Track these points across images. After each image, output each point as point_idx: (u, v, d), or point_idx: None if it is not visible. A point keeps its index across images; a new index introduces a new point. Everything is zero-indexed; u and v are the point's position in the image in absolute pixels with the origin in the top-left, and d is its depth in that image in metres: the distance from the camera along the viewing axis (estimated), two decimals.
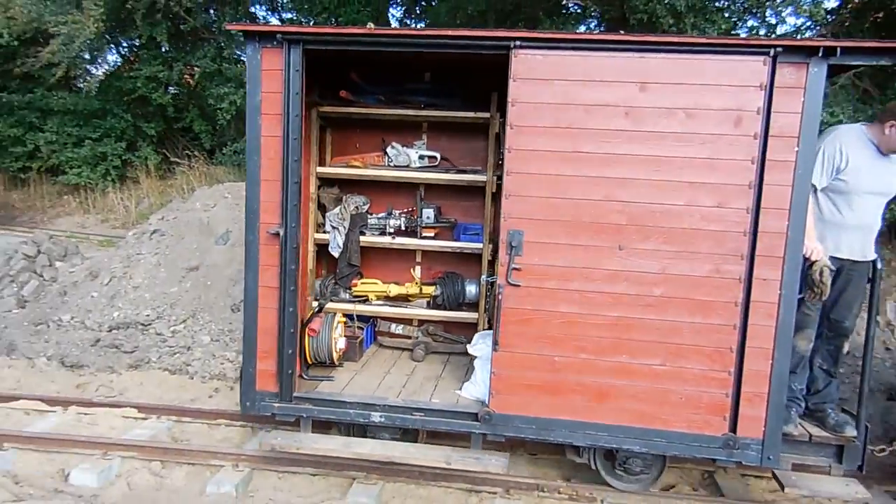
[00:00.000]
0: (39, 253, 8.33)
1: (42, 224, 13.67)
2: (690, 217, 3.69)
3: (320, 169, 5.22)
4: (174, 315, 6.92)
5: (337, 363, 4.65)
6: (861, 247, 3.99)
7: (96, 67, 16.23)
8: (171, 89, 14.72)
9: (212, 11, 14.96)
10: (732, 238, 3.66)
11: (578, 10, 13.25)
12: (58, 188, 14.84)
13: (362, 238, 5.15)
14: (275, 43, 3.92)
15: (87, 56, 14.72)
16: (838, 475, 4.01)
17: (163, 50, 14.11)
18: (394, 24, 16.27)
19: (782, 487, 3.94)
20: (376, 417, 4.10)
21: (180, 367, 6.23)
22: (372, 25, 3.81)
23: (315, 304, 5.13)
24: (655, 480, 4.25)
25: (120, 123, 13.98)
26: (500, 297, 3.86)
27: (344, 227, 5.17)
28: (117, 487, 4.30)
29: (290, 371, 4.15)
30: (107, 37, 13.85)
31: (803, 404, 4.19)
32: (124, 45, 15.12)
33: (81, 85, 15.44)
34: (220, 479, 4.27)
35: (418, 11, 16.36)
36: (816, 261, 3.76)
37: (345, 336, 4.81)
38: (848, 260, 3.99)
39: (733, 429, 3.79)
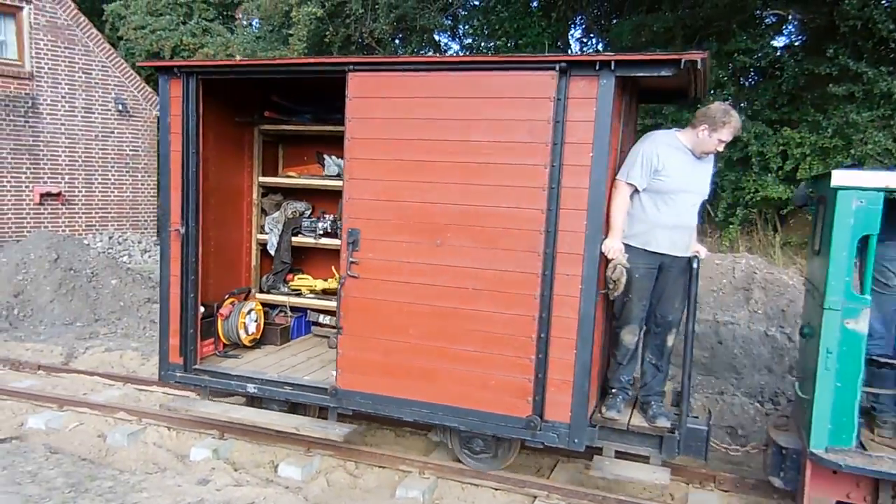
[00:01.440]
0: None
1: None
2: (494, 217, 4.09)
3: (262, 179, 6.03)
4: None
5: (247, 344, 5.41)
6: (679, 243, 4.17)
7: None
8: None
9: (397, 41, 16.51)
10: (530, 236, 4.01)
11: (775, 21, 13.14)
12: None
13: (295, 239, 5.89)
14: (175, 75, 4.76)
15: None
16: (657, 463, 4.20)
17: None
18: (574, 45, 16.98)
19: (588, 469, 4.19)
20: (251, 388, 4.81)
21: None
22: (238, 58, 4.56)
23: (260, 296, 5.96)
24: (503, 461, 4.60)
25: None
26: (342, 287, 4.44)
27: (278, 230, 5.94)
28: (318, 483, 4.64)
29: (192, 347, 4.96)
30: None
31: (630, 394, 4.40)
32: None
33: None
34: (408, 483, 4.51)
35: (599, 30, 16.60)
36: (612, 259, 4.01)
37: (261, 322, 5.57)
38: (668, 255, 4.18)
39: (539, 412, 4.11)
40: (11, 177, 12.46)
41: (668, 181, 4.10)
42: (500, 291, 4.12)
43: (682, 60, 3.64)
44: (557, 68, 3.86)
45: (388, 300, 4.37)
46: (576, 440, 4.09)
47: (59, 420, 5.51)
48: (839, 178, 3.58)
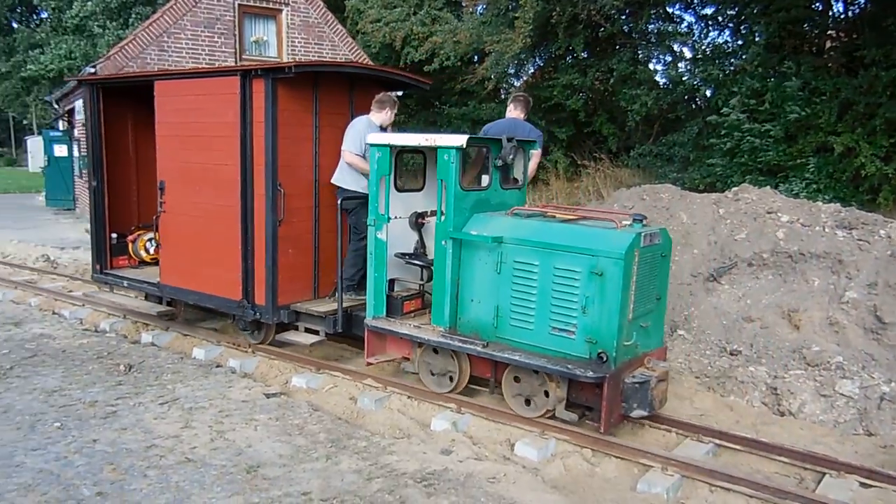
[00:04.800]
0: None
1: None
2: (219, 171, 6.38)
3: None
4: None
5: (149, 261, 8.16)
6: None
7: (517, 79, 18.60)
8: (582, 95, 16.09)
9: (623, 17, 15.83)
10: (231, 184, 6.26)
11: None
12: None
13: None
14: (84, 85, 7.56)
15: (511, 70, 17.02)
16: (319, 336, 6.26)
17: (581, 57, 15.48)
18: (837, 7, 13.71)
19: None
20: (125, 284, 7.58)
21: None
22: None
23: None
24: (259, 337, 6.87)
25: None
26: (157, 218, 7.00)
27: None
28: (554, 466, 4.61)
29: (103, 259, 7.83)
30: (529, 50, 15.69)
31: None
32: (543, 56, 17.18)
33: (504, 96, 17.44)
34: (651, 479, 4.35)
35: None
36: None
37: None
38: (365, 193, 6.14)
39: (249, 298, 6.36)
40: None
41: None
42: (224, 219, 6.42)
43: (292, 67, 5.68)
44: (239, 74, 6.04)
45: (179, 225, 6.85)
46: (266, 316, 6.31)
47: (317, 381, 6.08)
48: (370, 139, 5.44)
